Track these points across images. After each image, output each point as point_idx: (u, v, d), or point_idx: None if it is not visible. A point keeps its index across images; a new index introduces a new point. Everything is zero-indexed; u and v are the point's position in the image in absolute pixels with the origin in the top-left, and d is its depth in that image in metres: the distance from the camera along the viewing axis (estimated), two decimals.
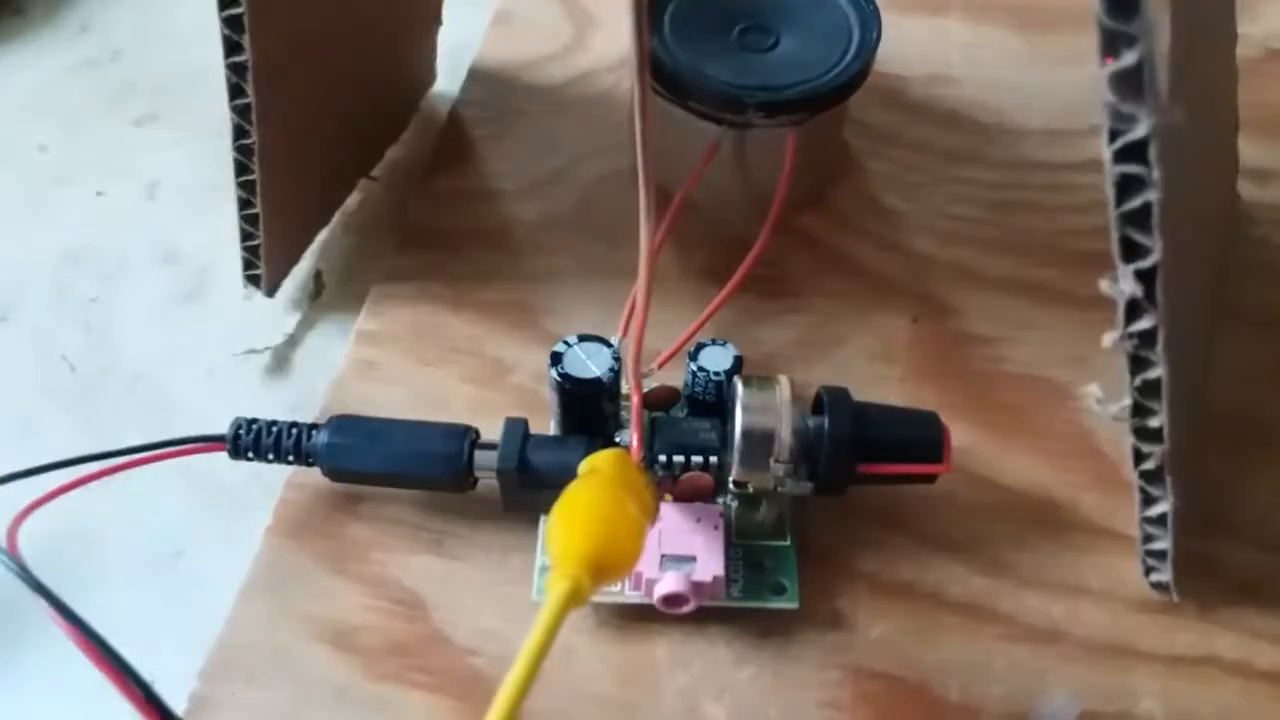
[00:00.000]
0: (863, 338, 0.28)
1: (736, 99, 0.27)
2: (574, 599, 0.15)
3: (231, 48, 0.23)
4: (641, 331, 0.23)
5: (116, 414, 0.28)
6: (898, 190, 0.31)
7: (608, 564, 0.16)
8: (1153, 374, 0.19)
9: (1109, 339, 0.19)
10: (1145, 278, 0.17)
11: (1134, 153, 0.16)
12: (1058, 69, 0.34)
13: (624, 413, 0.25)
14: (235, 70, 0.24)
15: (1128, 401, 0.20)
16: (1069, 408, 0.27)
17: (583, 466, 0.20)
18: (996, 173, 0.32)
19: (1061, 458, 0.26)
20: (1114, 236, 0.17)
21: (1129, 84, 0.15)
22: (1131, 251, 0.17)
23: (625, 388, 0.24)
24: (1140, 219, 0.17)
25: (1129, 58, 0.15)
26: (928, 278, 0.29)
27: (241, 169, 0.26)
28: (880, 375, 0.28)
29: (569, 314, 0.29)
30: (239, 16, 0.23)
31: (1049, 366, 0.28)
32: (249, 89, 0.24)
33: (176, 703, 0.23)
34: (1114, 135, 0.16)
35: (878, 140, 0.33)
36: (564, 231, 0.31)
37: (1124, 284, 0.18)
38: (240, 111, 0.24)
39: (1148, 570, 0.23)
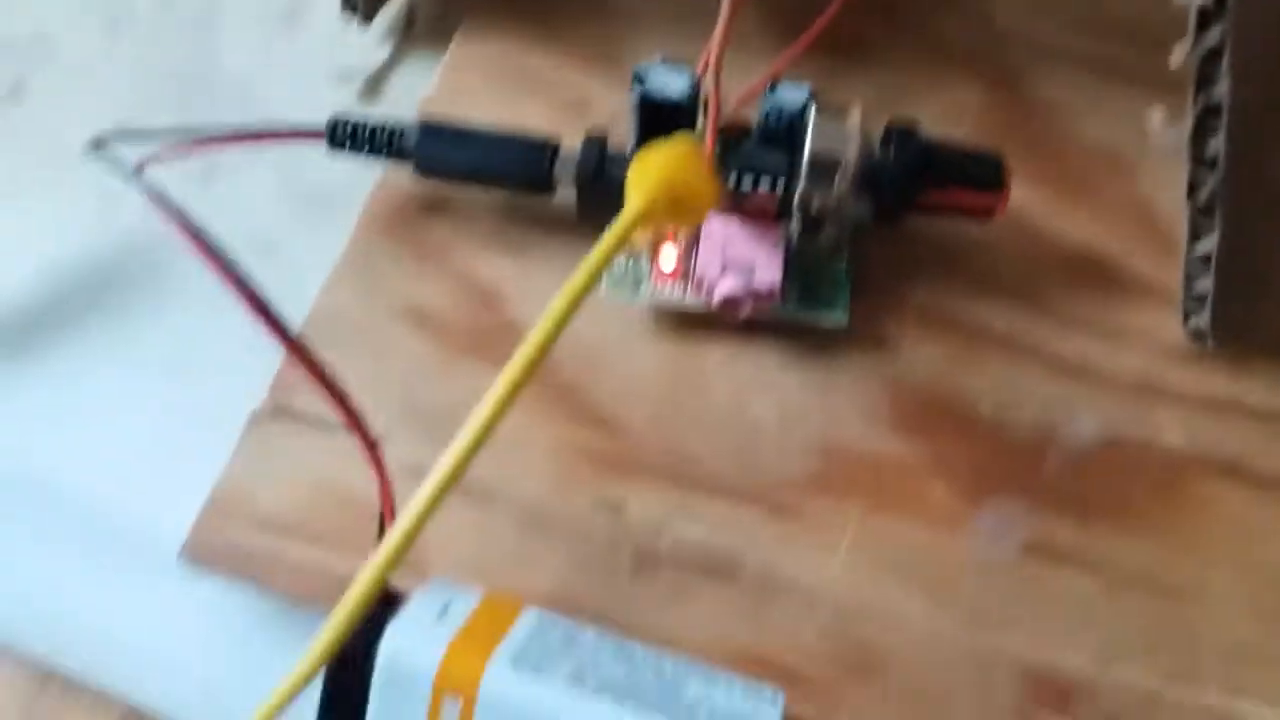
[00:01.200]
0: (934, 105, 0.29)
1: None
2: (649, 215, 0.17)
3: None
4: (724, 38, 0.24)
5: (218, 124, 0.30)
6: None
7: (680, 196, 0.18)
8: (1217, 93, 0.20)
9: (1178, 54, 0.20)
10: None
11: None
12: None
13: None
14: None
15: (1189, 124, 0.20)
16: (1132, 179, 0.27)
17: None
18: None
19: (1119, 223, 0.27)
20: None
21: None
22: None
23: (700, 125, 0.25)
24: None
25: None
26: (1005, 50, 0.30)
27: None
28: None
29: (651, 54, 0.30)
30: None
31: (1117, 141, 0.28)
32: None
33: (266, 371, 0.26)
34: None
35: None
36: None
37: None
38: None
39: (1187, 316, 0.24)
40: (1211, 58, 0.19)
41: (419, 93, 0.30)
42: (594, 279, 0.16)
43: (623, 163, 0.25)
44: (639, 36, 0.30)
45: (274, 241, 0.28)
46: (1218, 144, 0.20)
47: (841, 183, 0.23)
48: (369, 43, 0.31)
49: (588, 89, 0.29)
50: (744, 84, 0.27)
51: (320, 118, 0.30)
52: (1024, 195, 0.27)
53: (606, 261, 0.16)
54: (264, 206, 0.28)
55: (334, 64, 0.31)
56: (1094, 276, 0.26)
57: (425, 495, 0.16)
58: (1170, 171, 0.26)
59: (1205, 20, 0.19)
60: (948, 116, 0.29)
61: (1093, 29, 0.30)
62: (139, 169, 0.22)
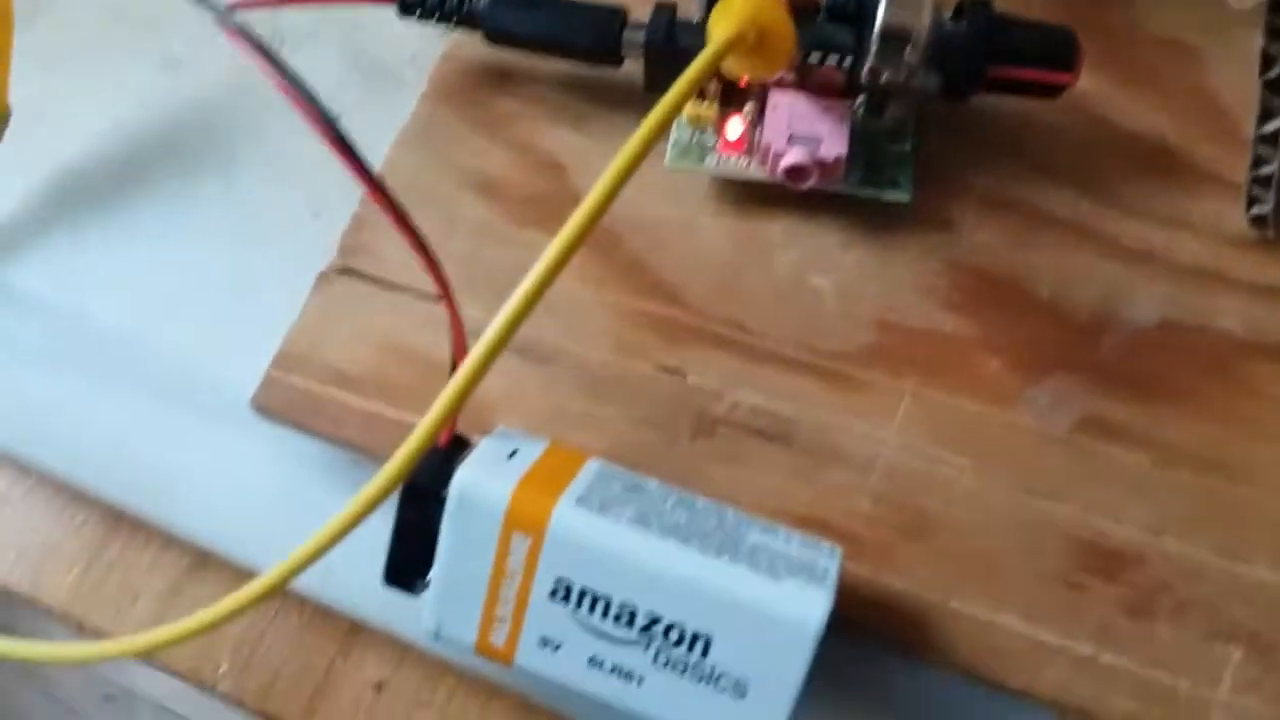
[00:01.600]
0: None
1: None
2: (737, 44, 0.17)
3: None
4: None
5: None
6: None
7: (765, 32, 0.18)
8: None
9: None
10: None
11: None
12: None
13: None
14: None
15: None
16: (1200, 70, 0.27)
17: None
18: None
19: (1185, 112, 0.27)
20: None
21: None
22: None
23: None
24: None
25: None
26: None
27: None
28: None
29: None
30: None
31: (1187, 31, 0.28)
32: None
33: (335, 225, 0.26)
34: None
35: None
36: None
37: None
38: None
39: (1250, 202, 0.24)
40: None
41: None
42: (677, 108, 0.16)
43: (691, 30, 0.25)
44: None
45: (340, 111, 0.28)
46: None
47: (912, 55, 0.23)
48: None
49: None
50: None
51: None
52: (1091, 82, 0.27)
53: (693, 90, 0.16)
54: (331, 77, 0.29)
55: None
56: (1157, 165, 0.26)
57: (493, 332, 0.17)
58: (1238, 64, 0.26)
59: None
60: (1016, 3, 0.28)
61: None
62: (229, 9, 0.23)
